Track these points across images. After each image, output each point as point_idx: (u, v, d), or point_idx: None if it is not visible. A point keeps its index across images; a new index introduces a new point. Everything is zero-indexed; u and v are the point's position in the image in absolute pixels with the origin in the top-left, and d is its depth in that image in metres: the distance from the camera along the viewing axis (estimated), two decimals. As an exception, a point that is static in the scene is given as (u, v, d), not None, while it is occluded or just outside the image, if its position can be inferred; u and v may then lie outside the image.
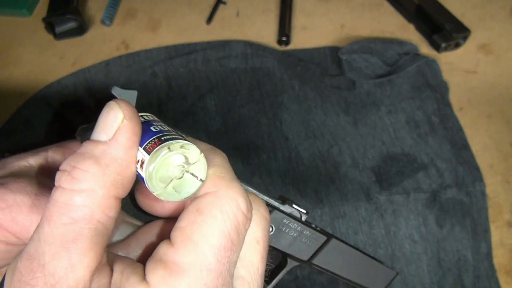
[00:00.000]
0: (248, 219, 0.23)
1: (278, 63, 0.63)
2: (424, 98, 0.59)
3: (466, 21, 0.65)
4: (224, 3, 0.72)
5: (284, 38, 0.66)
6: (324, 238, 0.36)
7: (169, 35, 0.69)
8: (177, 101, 0.60)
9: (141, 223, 0.30)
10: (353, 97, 0.60)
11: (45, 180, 0.28)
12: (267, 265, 0.26)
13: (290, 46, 0.67)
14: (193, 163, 0.22)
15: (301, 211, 0.34)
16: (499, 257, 0.50)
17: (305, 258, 0.36)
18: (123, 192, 0.22)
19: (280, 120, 0.59)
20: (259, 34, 0.68)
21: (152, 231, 0.27)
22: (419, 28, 0.67)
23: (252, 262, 0.25)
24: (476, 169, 0.54)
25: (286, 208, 0.34)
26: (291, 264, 0.36)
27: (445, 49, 0.64)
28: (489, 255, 0.50)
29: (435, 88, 0.60)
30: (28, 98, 0.61)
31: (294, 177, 0.54)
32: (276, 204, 0.33)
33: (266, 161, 0.55)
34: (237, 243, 0.23)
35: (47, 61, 0.67)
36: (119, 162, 0.22)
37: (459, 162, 0.54)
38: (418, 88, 0.60)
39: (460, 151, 0.56)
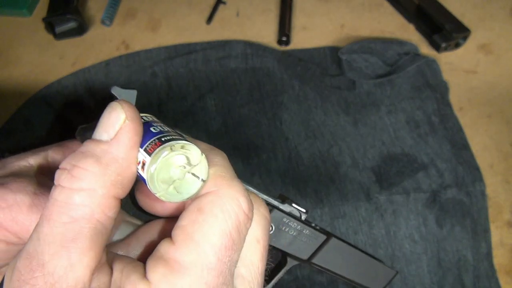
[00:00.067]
0: (249, 218, 0.23)
1: (278, 63, 0.63)
2: (424, 98, 0.59)
3: (466, 21, 0.65)
4: (224, 3, 0.72)
5: (284, 38, 0.66)
6: (323, 237, 0.35)
7: (169, 35, 0.69)
8: (177, 101, 0.60)
9: (141, 223, 0.30)
10: (353, 97, 0.60)
11: (45, 179, 0.28)
12: (267, 264, 0.26)
13: (290, 46, 0.67)
14: (194, 163, 0.22)
15: (300, 210, 0.34)
16: (499, 257, 0.50)
17: (305, 257, 0.36)
18: (123, 192, 0.22)
19: (280, 120, 0.59)
20: (259, 34, 0.68)
21: (152, 230, 0.27)
22: (419, 28, 0.67)
23: (253, 261, 0.25)
24: (476, 169, 0.54)
25: (285, 207, 0.34)
26: (291, 263, 0.36)
27: (445, 49, 0.64)
28: (489, 255, 0.50)
29: (435, 88, 0.60)
30: (28, 98, 0.61)
31: (294, 177, 0.54)
32: (276, 203, 0.33)
33: (266, 161, 0.55)
34: (238, 242, 0.23)
35: (47, 61, 0.67)
36: (120, 162, 0.22)
37: (459, 162, 0.54)
38: (418, 88, 0.60)
39: (460, 151, 0.55)
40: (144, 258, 0.24)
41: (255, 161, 0.55)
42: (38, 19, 0.69)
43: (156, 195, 0.22)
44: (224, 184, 0.23)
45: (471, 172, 0.54)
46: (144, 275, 0.22)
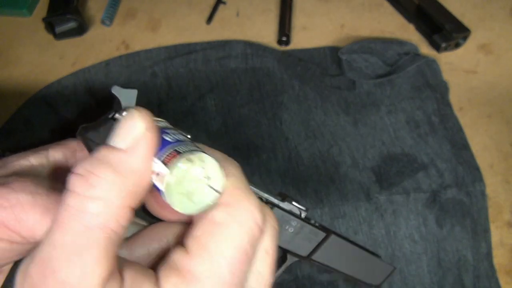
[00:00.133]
0: (262, 231, 0.24)
1: (278, 63, 0.63)
2: (424, 98, 0.59)
3: (466, 21, 0.65)
4: (224, 3, 0.72)
5: (284, 38, 0.66)
6: (323, 234, 0.36)
7: (169, 35, 0.69)
8: (177, 101, 0.60)
9: (145, 223, 0.30)
10: (353, 97, 0.60)
11: (46, 179, 0.28)
12: None
13: (290, 46, 0.67)
14: (211, 175, 0.22)
15: (300, 208, 0.35)
16: (499, 257, 0.50)
17: (305, 254, 0.36)
18: (138, 202, 0.22)
19: (280, 120, 0.59)
20: (259, 34, 0.68)
21: (158, 233, 0.27)
22: (419, 28, 0.67)
23: (262, 272, 0.25)
24: (476, 169, 0.54)
25: (286, 205, 0.34)
26: (291, 259, 0.36)
27: (445, 49, 0.64)
28: (489, 255, 0.50)
29: (435, 88, 0.60)
30: (28, 98, 0.61)
31: (294, 177, 0.54)
32: (276, 201, 0.33)
33: (266, 161, 0.55)
34: (251, 256, 0.23)
35: (47, 61, 0.67)
36: (136, 172, 0.21)
37: (459, 162, 0.54)
38: (418, 88, 0.60)
39: (460, 151, 0.55)
40: (148, 260, 0.23)
41: (255, 161, 0.55)
42: (38, 19, 0.69)
43: (172, 206, 0.22)
44: (240, 196, 0.23)
45: (471, 172, 0.54)
46: (156, 283, 0.22)
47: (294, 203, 0.34)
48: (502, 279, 0.49)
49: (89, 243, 0.20)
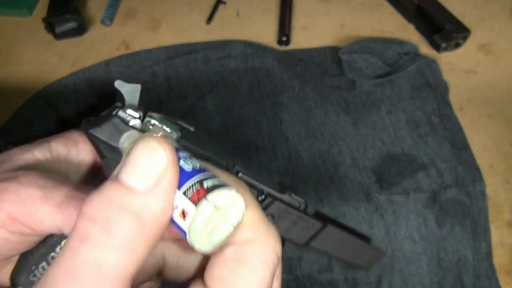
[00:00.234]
0: (280, 261, 0.23)
1: (278, 63, 0.63)
2: (424, 98, 0.59)
3: (466, 21, 0.65)
4: (224, 3, 0.72)
5: (284, 38, 0.66)
6: (320, 224, 0.38)
7: (169, 35, 0.69)
8: (177, 101, 0.60)
9: None
10: (353, 97, 0.60)
11: (52, 172, 0.28)
12: None
13: (290, 46, 0.67)
14: (235, 212, 0.21)
15: (299, 200, 0.36)
16: (499, 257, 0.50)
17: (302, 242, 0.38)
18: (157, 243, 0.21)
19: (280, 120, 0.59)
20: (259, 34, 0.68)
21: (159, 252, 0.27)
22: (419, 28, 0.67)
23: None
24: (476, 169, 0.54)
25: (286, 197, 0.35)
26: (288, 246, 0.39)
27: (445, 49, 0.64)
28: (489, 255, 0.50)
29: (435, 88, 0.60)
30: (28, 98, 0.61)
31: (294, 177, 0.54)
32: (277, 195, 0.35)
33: (266, 161, 0.55)
34: (271, 285, 0.23)
35: (47, 61, 0.67)
36: (158, 216, 0.19)
37: (459, 162, 0.54)
38: (418, 88, 0.60)
39: (460, 151, 0.55)
40: (140, 274, 0.23)
41: (255, 161, 0.55)
42: (38, 19, 0.69)
43: (191, 244, 0.20)
44: (262, 230, 0.22)
45: (471, 172, 0.54)
46: None
47: (293, 195, 0.36)
48: (502, 279, 0.49)
49: None
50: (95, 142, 0.29)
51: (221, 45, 0.65)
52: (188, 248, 0.21)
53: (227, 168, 0.35)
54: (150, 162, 0.19)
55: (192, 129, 0.30)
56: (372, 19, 0.69)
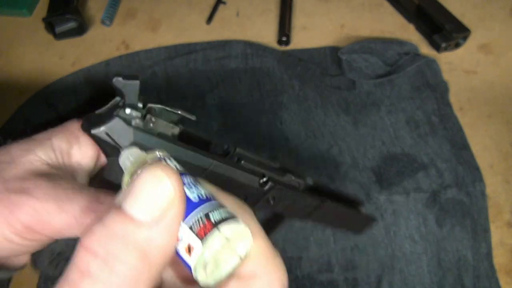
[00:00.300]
0: None
1: (278, 63, 0.63)
2: (424, 98, 0.59)
3: (466, 21, 0.65)
4: (224, 3, 0.72)
5: (284, 38, 0.66)
6: (318, 202, 0.40)
7: (169, 35, 0.69)
8: (177, 101, 0.60)
9: None
10: (353, 97, 0.60)
11: (58, 175, 0.28)
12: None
13: (290, 46, 0.67)
14: (242, 246, 0.20)
15: (299, 182, 0.39)
16: (499, 257, 0.50)
17: (301, 217, 0.41)
18: (160, 275, 0.20)
19: (280, 120, 0.59)
20: (259, 34, 0.68)
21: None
22: (419, 28, 0.67)
23: None
24: (476, 169, 0.54)
25: (286, 180, 0.38)
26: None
27: (445, 49, 0.64)
28: (489, 255, 0.50)
29: (435, 88, 0.60)
30: (28, 98, 0.61)
31: (294, 177, 0.54)
32: (278, 178, 0.37)
33: (266, 161, 0.55)
34: None
35: (47, 61, 0.67)
36: (163, 249, 0.19)
37: (459, 162, 0.54)
38: (418, 88, 0.60)
39: (460, 151, 0.55)
40: None
41: (255, 161, 0.55)
42: (38, 19, 0.69)
43: (196, 279, 0.19)
44: (269, 263, 0.21)
45: (471, 172, 0.54)
46: None
47: (293, 177, 0.38)
48: (502, 279, 0.49)
49: None
50: (98, 141, 0.29)
51: (221, 45, 0.65)
52: (189, 278, 0.20)
53: (228, 152, 0.36)
54: (157, 193, 0.18)
55: (193, 118, 0.30)
56: (372, 19, 0.69)
